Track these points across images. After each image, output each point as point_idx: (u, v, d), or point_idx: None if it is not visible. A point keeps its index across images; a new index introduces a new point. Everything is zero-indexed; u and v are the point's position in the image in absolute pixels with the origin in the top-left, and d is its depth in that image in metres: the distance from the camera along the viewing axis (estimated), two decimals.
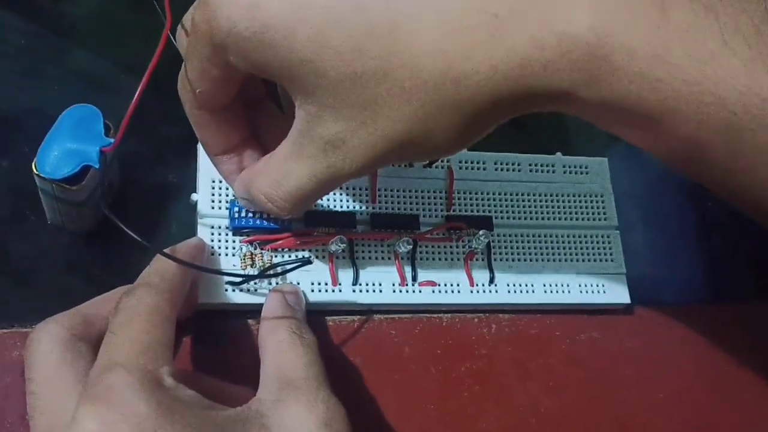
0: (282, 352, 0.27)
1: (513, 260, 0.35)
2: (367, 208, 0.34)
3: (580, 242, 0.36)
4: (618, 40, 0.21)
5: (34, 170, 0.28)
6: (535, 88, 0.22)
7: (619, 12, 0.21)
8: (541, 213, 0.36)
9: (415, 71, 0.22)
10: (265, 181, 0.27)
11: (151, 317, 0.25)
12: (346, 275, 0.33)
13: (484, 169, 0.36)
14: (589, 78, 0.21)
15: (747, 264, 0.40)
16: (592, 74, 0.21)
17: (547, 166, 0.37)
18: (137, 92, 0.25)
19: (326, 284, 0.32)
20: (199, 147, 0.32)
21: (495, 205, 0.36)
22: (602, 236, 0.37)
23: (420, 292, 0.33)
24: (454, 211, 0.35)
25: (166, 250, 0.28)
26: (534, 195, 0.36)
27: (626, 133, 0.24)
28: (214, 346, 0.31)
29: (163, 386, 0.23)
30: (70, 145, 0.28)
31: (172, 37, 0.26)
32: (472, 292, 0.34)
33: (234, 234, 0.32)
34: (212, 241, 0.31)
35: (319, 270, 0.32)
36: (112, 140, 0.28)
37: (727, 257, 0.40)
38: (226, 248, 0.31)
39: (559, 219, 0.36)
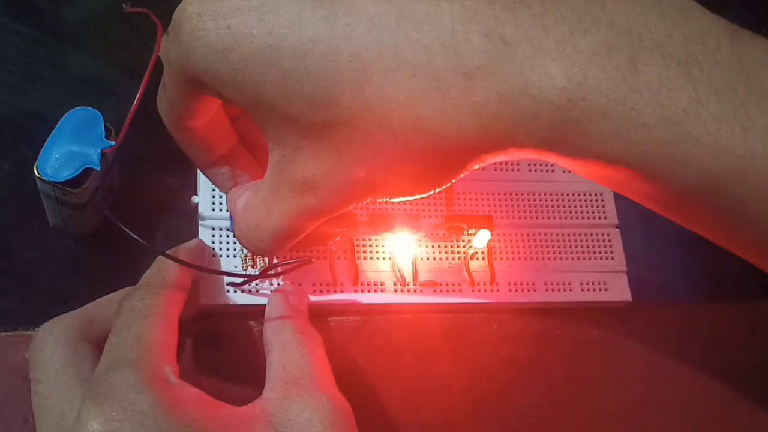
0: (287, 352, 0.27)
1: (514, 259, 0.35)
2: (367, 208, 0.34)
3: (581, 241, 0.36)
4: (589, 103, 0.20)
5: (36, 173, 0.28)
6: (504, 145, 0.22)
7: (590, 69, 0.20)
8: (541, 212, 0.36)
9: (385, 123, 0.22)
10: (246, 223, 0.27)
11: (154, 317, 0.25)
12: (347, 275, 0.33)
13: (483, 168, 0.36)
14: (559, 138, 0.21)
15: (747, 262, 0.40)
16: (563, 134, 0.21)
17: (546, 165, 0.37)
18: (138, 95, 0.25)
19: (327, 285, 0.32)
20: None
21: (495, 205, 0.36)
22: (602, 234, 0.37)
23: (421, 291, 0.33)
24: (454, 211, 0.35)
25: (168, 252, 0.28)
26: (534, 194, 0.36)
27: (600, 182, 0.24)
28: (215, 347, 0.31)
29: (166, 384, 0.23)
30: (72, 148, 0.28)
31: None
32: (473, 291, 0.34)
33: (235, 235, 0.32)
34: (213, 242, 0.31)
35: (320, 270, 0.32)
36: (112, 143, 0.28)
37: (727, 255, 0.40)
38: (227, 249, 0.32)
39: (559, 218, 0.36)
